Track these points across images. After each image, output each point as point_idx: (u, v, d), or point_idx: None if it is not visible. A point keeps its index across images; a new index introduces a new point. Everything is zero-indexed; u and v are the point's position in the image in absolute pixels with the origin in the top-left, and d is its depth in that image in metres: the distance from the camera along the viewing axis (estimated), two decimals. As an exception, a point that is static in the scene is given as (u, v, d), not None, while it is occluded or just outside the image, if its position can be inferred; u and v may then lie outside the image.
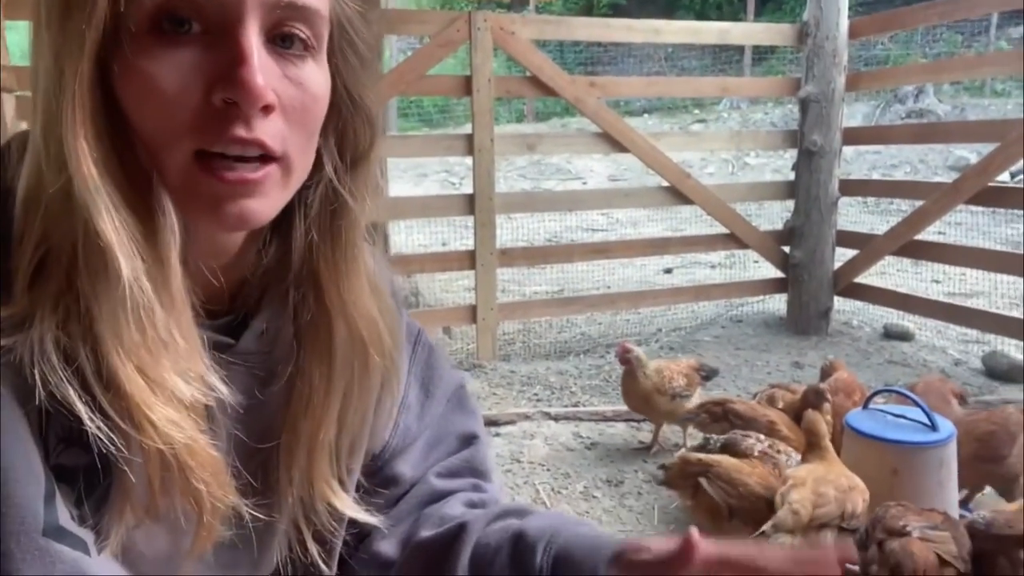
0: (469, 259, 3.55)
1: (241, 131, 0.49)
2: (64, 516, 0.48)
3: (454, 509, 0.73)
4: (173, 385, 0.49)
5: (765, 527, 1.63)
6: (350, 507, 0.65)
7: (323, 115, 0.55)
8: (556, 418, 2.92)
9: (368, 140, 0.60)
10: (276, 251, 0.59)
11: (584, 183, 9.33)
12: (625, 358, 2.52)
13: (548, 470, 2.53)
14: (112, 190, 0.47)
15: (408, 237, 5.32)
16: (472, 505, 0.75)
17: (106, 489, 0.50)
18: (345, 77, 0.57)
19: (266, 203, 0.52)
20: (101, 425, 0.47)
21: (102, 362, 0.47)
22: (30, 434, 0.47)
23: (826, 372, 2.44)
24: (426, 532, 0.71)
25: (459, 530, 0.70)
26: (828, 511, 1.68)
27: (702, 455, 1.88)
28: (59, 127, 0.46)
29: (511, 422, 2.87)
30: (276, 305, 0.60)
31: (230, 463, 0.58)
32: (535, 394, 3.22)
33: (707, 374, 2.65)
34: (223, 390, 0.53)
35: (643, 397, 2.51)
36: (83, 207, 0.46)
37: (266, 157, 0.51)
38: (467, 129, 3.45)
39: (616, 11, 13.66)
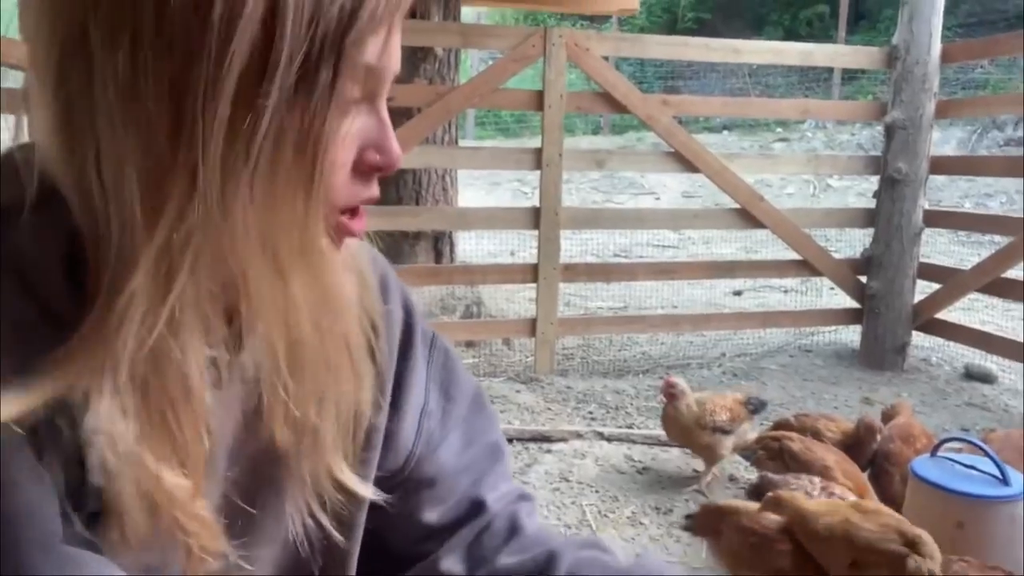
0: (532, 272, 3.56)
1: (376, 191, 0.54)
2: (78, 523, 0.49)
3: (529, 528, 0.74)
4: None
5: None
6: (362, 488, 0.64)
7: None
8: (609, 439, 2.89)
9: None
10: None
11: (657, 198, 9.22)
12: (670, 392, 2.47)
13: (596, 492, 2.50)
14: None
15: (477, 245, 5.37)
16: (531, 517, 0.76)
17: (98, 505, 0.50)
18: None
19: None
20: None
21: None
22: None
23: (888, 415, 2.33)
24: (509, 559, 0.71)
25: (549, 559, 0.70)
26: None
27: (722, 503, 1.85)
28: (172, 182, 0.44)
29: (563, 439, 2.86)
30: None
31: (222, 500, 0.58)
32: (590, 412, 3.20)
33: (755, 407, 2.56)
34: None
35: (682, 430, 2.47)
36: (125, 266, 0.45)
37: None
38: (539, 143, 3.47)
39: (701, 25, 13.48)
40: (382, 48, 0.49)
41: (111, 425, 0.47)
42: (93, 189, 0.45)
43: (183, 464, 0.50)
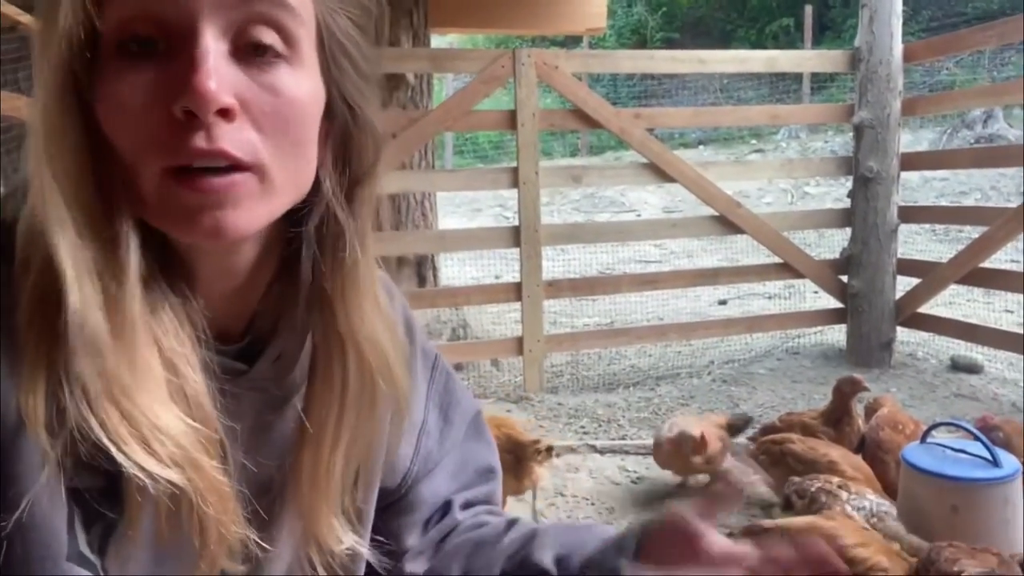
0: (515, 291, 3.56)
1: (201, 142, 0.47)
2: (82, 541, 0.49)
3: (491, 521, 0.76)
4: (155, 418, 0.48)
5: None
6: (349, 539, 0.63)
7: (309, 122, 0.53)
8: (602, 451, 2.88)
9: (371, 157, 0.58)
10: (289, 276, 0.58)
11: (638, 215, 9.28)
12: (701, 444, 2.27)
13: (592, 504, 2.48)
14: (79, 217, 0.47)
15: (460, 270, 5.37)
16: (491, 514, 0.77)
17: (116, 513, 0.50)
18: (342, 88, 0.55)
19: (243, 213, 0.50)
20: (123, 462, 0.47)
21: (91, 400, 0.47)
22: (55, 460, 0.47)
23: (872, 408, 2.35)
24: (461, 538, 0.73)
25: (509, 524, 0.73)
26: None
27: (767, 521, 1.79)
28: (37, 152, 0.47)
29: (556, 454, 2.83)
30: (291, 331, 0.59)
31: (239, 491, 0.57)
32: (582, 427, 3.18)
33: (740, 426, 2.52)
34: (216, 425, 0.52)
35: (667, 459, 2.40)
36: (48, 233, 0.46)
37: (235, 167, 0.49)
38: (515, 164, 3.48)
39: (670, 45, 13.69)
40: None
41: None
42: None
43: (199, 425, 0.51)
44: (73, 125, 0.48)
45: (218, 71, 0.47)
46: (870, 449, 2.17)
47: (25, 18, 2.11)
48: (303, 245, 0.57)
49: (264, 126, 0.50)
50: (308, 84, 0.53)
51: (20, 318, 0.47)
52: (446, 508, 0.75)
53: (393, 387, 0.61)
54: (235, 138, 0.49)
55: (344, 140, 0.57)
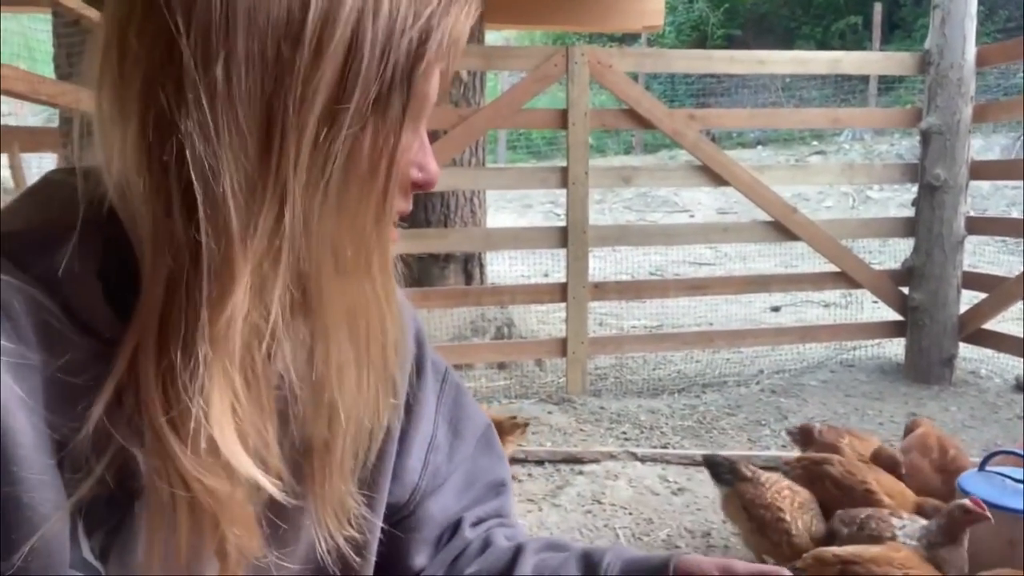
0: (561, 292, 3.53)
1: (410, 205, 0.57)
2: (85, 548, 0.49)
3: (499, 540, 0.74)
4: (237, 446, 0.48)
5: None
6: (369, 511, 0.63)
7: None
8: (643, 459, 2.83)
9: None
10: None
11: (691, 216, 9.14)
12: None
13: (630, 514, 2.44)
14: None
15: (510, 267, 5.36)
16: (508, 539, 0.75)
17: (117, 524, 0.50)
18: None
19: None
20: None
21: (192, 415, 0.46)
22: (55, 468, 0.47)
23: (908, 429, 2.26)
24: (474, 568, 0.71)
25: (517, 551, 0.71)
26: None
27: (836, 549, 1.66)
28: (267, 184, 0.46)
29: (595, 461, 2.80)
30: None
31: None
32: (623, 432, 3.14)
33: None
34: (275, 449, 0.52)
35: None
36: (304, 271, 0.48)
37: None
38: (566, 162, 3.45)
39: (731, 42, 13.41)
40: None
41: (220, 431, 0.47)
42: (174, 205, 0.45)
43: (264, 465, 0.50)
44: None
45: None
46: (897, 473, 2.09)
47: (90, 12, 2.16)
48: None
49: None
50: None
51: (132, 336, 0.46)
52: (456, 526, 0.74)
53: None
54: None
55: None
